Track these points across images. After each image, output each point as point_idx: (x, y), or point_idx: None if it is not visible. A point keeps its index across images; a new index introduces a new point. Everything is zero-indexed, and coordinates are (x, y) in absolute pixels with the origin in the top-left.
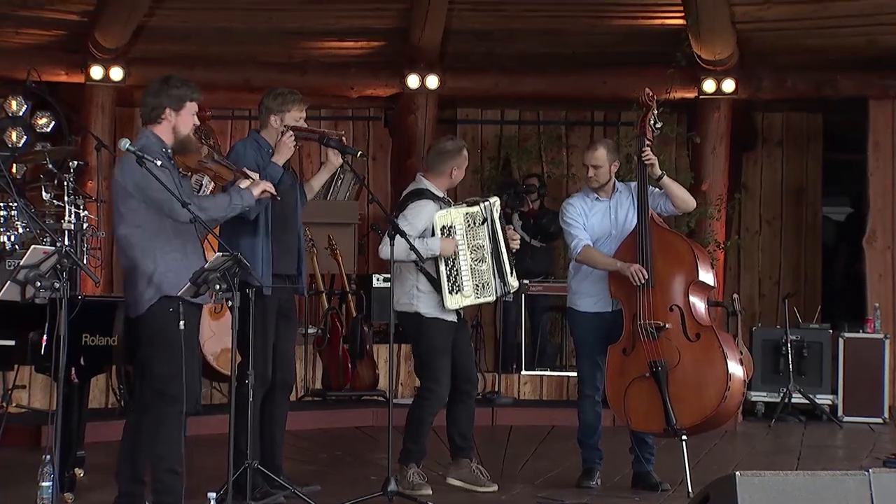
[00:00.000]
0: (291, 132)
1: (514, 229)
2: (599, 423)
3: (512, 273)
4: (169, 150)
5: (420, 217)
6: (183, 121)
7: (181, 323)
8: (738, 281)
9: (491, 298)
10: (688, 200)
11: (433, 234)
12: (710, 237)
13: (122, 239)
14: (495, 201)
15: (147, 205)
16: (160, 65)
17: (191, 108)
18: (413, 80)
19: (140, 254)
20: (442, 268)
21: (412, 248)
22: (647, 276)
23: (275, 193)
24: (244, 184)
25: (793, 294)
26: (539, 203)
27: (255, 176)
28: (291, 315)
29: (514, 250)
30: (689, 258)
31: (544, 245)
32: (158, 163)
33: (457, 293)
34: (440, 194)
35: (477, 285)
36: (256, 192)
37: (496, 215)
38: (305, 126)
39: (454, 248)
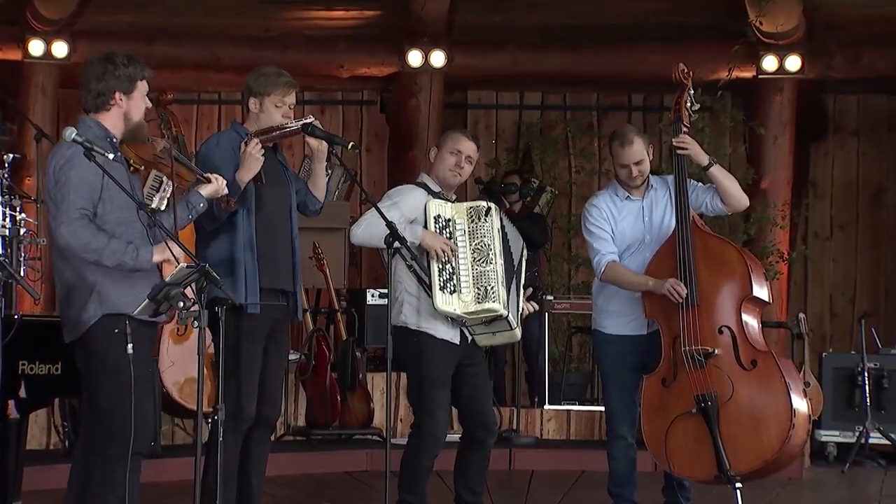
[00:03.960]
0: (257, 140)
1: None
2: (634, 469)
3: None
4: (117, 142)
5: (406, 198)
6: (135, 105)
7: (129, 346)
8: (805, 297)
9: (496, 307)
10: (740, 198)
11: (425, 224)
12: (772, 247)
13: (60, 249)
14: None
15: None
16: (112, 39)
17: (142, 88)
18: (415, 57)
19: (78, 263)
20: (434, 265)
21: (414, 263)
22: (685, 292)
23: (229, 203)
24: (204, 190)
25: (871, 313)
26: (520, 205)
27: (220, 180)
28: (282, 341)
29: (524, 312)
30: (741, 269)
31: (530, 253)
32: (111, 156)
33: (451, 293)
34: (437, 189)
35: (479, 289)
36: (157, 257)
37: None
38: (275, 126)
39: (441, 244)
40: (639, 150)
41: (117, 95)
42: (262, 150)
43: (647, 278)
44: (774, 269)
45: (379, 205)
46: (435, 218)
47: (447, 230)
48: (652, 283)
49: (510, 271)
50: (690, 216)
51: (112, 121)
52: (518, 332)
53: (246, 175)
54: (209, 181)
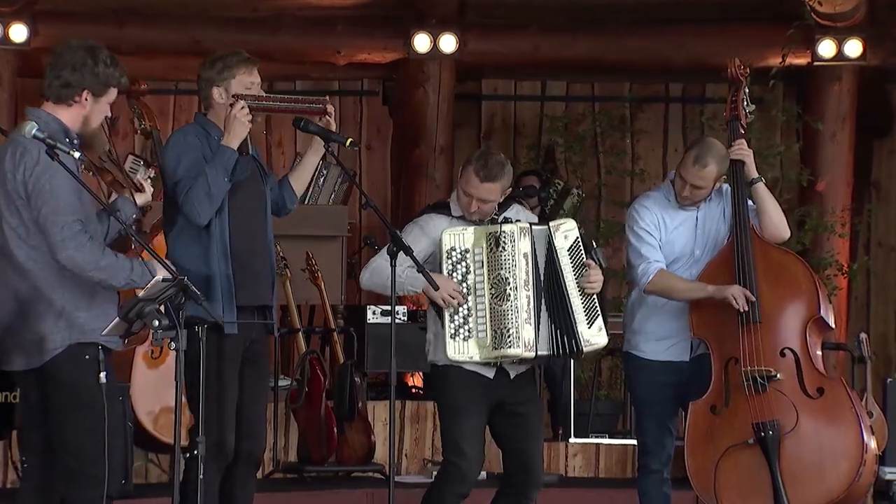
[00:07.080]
0: (243, 102)
1: (598, 263)
2: None
3: (590, 324)
4: (77, 141)
5: (429, 225)
6: (99, 110)
7: (103, 374)
8: (868, 315)
9: (520, 353)
10: (781, 226)
11: (439, 261)
12: (829, 258)
13: (18, 263)
14: (563, 225)
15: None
16: (78, 21)
17: (111, 95)
18: (422, 42)
19: (44, 283)
20: (445, 310)
21: (423, 272)
22: (753, 300)
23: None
24: (140, 198)
25: None
26: (540, 210)
27: (149, 190)
28: (261, 363)
29: (590, 293)
30: (809, 285)
31: None
32: (77, 154)
33: (466, 340)
34: (458, 213)
35: (496, 332)
36: (160, 274)
37: (560, 244)
38: (263, 94)
39: (447, 294)
40: (708, 177)
41: (85, 94)
42: (250, 116)
43: (703, 285)
44: (833, 283)
45: (405, 230)
46: (448, 252)
47: (463, 263)
48: (712, 288)
49: (556, 293)
50: (749, 224)
51: (70, 118)
52: (588, 343)
53: (232, 141)
54: (142, 189)
